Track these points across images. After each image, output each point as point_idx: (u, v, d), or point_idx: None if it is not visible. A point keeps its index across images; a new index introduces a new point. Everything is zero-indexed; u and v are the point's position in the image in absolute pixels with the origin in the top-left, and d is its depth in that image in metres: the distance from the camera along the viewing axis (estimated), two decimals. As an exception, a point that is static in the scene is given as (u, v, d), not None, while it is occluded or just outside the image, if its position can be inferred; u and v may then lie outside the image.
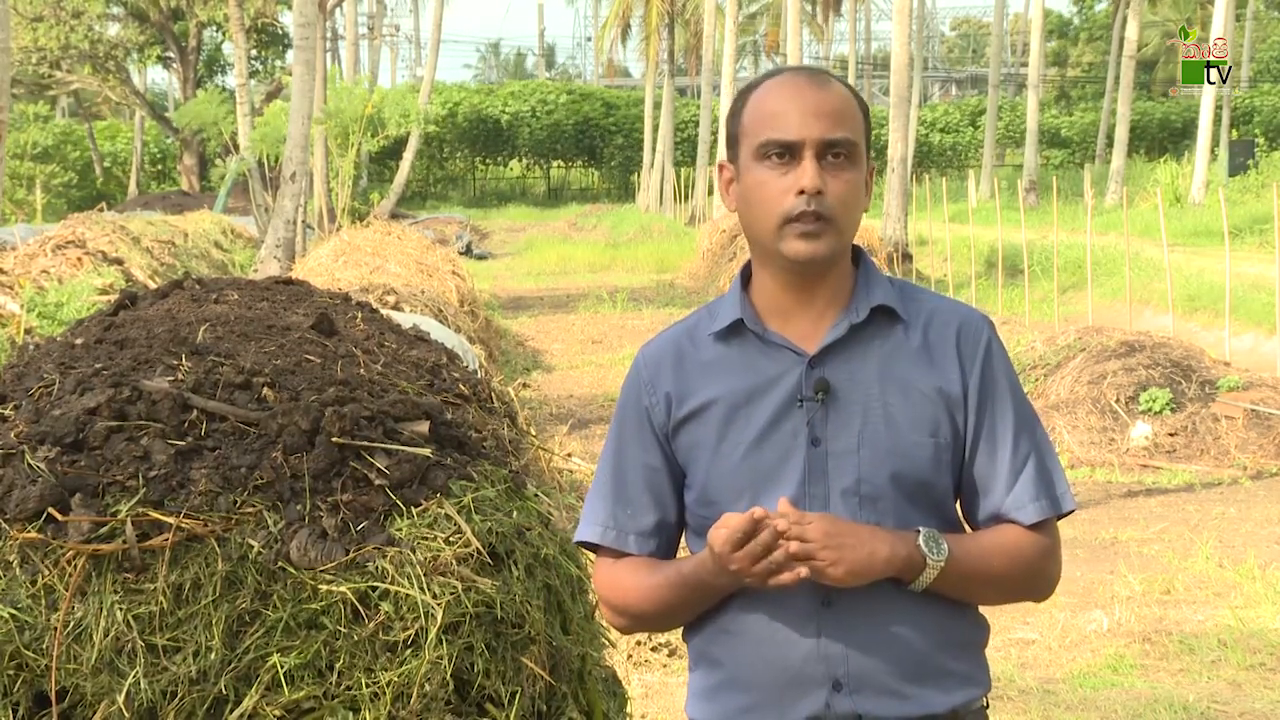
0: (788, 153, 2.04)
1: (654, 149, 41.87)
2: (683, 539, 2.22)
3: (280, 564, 2.54)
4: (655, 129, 41.78)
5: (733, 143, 2.13)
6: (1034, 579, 2.12)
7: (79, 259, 13.68)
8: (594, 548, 2.19)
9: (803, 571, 1.95)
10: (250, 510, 2.59)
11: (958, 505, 2.15)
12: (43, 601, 2.48)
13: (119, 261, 14.71)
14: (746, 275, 2.17)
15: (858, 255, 2.15)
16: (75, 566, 2.49)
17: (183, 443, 2.68)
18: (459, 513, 2.68)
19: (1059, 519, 2.12)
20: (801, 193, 2.02)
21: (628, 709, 3.19)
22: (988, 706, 2.15)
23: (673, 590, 2.10)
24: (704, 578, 2.05)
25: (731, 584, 2.02)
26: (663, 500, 2.15)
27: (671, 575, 2.11)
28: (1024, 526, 2.08)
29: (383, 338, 4.73)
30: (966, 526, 2.15)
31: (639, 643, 5.89)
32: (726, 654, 2.11)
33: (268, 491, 2.63)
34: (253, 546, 2.54)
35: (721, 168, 2.16)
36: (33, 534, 2.50)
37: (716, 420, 2.09)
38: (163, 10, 43.22)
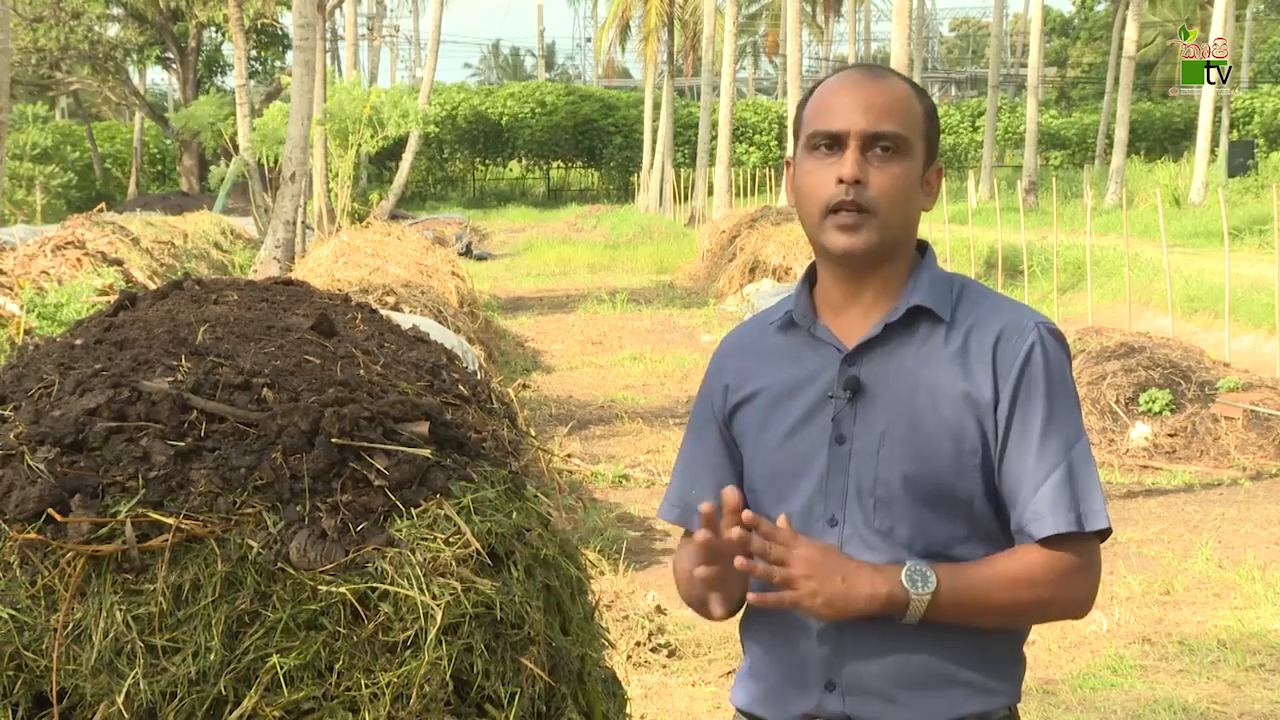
0: (834, 143, 2.04)
1: (653, 150, 41.88)
2: None
3: (280, 565, 2.54)
4: (655, 130, 41.80)
5: (796, 138, 2.14)
6: (1052, 604, 2.04)
7: (79, 260, 13.66)
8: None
9: (786, 597, 1.94)
10: (250, 511, 2.59)
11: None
12: (42, 602, 2.48)
13: (119, 262, 14.68)
14: (813, 268, 2.18)
15: (924, 251, 2.13)
16: (75, 567, 2.49)
17: (182, 443, 2.68)
18: (459, 513, 2.68)
19: (1098, 538, 2.03)
20: (841, 182, 2.02)
21: (627, 710, 3.19)
22: (1012, 716, 2.10)
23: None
24: None
25: None
26: (724, 483, 2.14)
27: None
28: (1039, 542, 2.00)
29: (382, 338, 4.74)
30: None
31: (639, 643, 5.89)
32: (753, 645, 2.17)
33: (267, 492, 2.62)
34: (252, 547, 2.54)
35: (786, 164, 2.18)
36: (32, 535, 2.50)
37: (761, 409, 2.13)
38: (162, 11, 43.26)
